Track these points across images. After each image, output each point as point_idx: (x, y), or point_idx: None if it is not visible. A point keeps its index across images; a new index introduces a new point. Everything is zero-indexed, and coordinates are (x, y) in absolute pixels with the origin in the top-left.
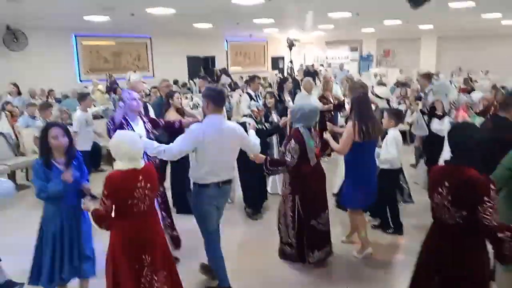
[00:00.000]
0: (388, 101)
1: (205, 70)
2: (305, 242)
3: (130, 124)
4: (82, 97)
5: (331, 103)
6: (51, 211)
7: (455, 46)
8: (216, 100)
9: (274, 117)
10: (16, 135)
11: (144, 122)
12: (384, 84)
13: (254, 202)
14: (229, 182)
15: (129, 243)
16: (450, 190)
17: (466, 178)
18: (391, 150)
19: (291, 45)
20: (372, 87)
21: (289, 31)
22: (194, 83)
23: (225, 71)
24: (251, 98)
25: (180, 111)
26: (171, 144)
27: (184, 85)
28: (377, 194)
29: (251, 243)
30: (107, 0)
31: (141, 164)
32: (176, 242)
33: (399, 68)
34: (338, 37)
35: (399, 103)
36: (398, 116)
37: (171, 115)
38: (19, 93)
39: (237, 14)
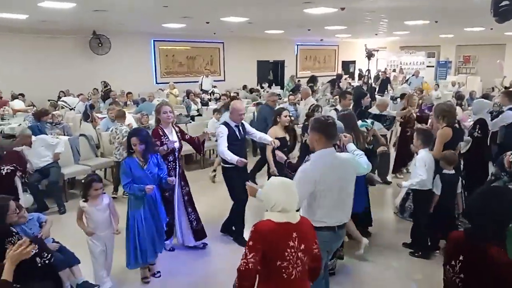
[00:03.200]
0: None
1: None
2: None
3: (166, 134)
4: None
5: (414, 119)
6: (135, 203)
7: None
8: (329, 133)
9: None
10: (98, 137)
11: (176, 132)
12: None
13: None
14: (344, 225)
15: None
16: (464, 267)
17: (486, 255)
18: (418, 171)
19: (370, 55)
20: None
21: (361, 37)
22: (263, 88)
23: (340, 77)
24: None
25: (289, 128)
26: None
27: (251, 90)
28: (412, 214)
29: None
30: (186, 10)
31: (296, 217)
32: (201, 235)
33: (480, 77)
34: (414, 42)
35: None
36: (427, 137)
37: (277, 132)
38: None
39: (309, 22)
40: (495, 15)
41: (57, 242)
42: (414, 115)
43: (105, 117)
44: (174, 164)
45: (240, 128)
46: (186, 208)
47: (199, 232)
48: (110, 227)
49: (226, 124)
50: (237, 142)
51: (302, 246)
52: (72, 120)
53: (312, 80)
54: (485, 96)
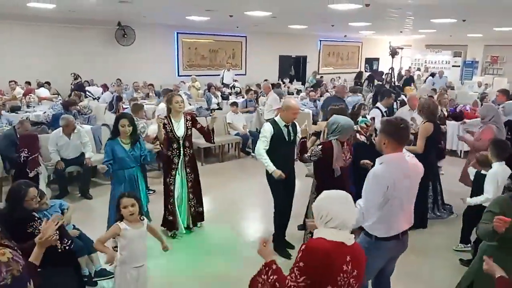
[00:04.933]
0: None
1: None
2: None
3: (170, 122)
4: None
5: (444, 117)
6: (116, 180)
7: None
8: (398, 136)
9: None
10: None
11: (186, 121)
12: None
13: None
14: (407, 231)
15: None
16: None
17: None
18: (487, 187)
19: (394, 53)
20: None
21: (385, 34)
22: (284, 83)
23: (371, 78)
24: (382, 115)
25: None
26: (359, 201)
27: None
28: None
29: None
30: (210, 3)
31: (351, 239)
32: (199, 218)
33: (507, 78)
34: (440, 41)
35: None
36: (501, 148)
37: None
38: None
39: (333, 17)
40: None
41: (78, 229)
42: (445, 113)
43: (127, 108)
44: (178, 151)
45: (290, 128)
46: (188, 194)
47: (197, 216)
48: (146, 256)
49: (273, 122)
50: (285, 145)
51: (355, 272)
52: (95, 110)
53: (359, 76)
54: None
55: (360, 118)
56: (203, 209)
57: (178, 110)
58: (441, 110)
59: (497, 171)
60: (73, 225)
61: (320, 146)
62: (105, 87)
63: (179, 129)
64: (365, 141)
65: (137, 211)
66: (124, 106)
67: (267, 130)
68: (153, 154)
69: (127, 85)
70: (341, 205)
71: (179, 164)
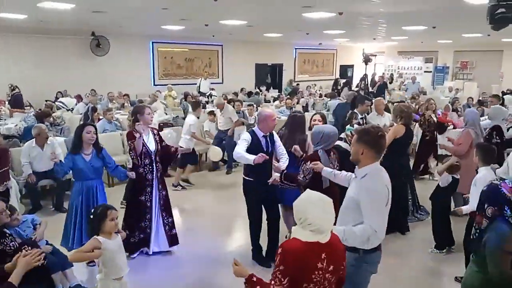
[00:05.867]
0: None
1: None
2: None
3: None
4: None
5: (434, 123)
6: (74, 192)
7: None
8: (377, 146)
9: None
10: None
11: (154, 135)
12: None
13: None
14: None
15: None
16: None
17: None
18: (473, 196)
19: (367, 60)
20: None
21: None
22: (261, 91)
23: (348, 84)
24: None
25: None
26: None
27: (256, 93)
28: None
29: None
30: (185, 13)
31: (327, 237)
32: (174, 241)
33: (477, 83)
34: (412, 47)
35: None
36: (487, 152)
37: None
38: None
39: (307, 26)
40: (491, 23)
41: (51, 245)
42: (435, 119)
43: (102, 119)
44: (151, 167)
45: (268, 139)
46: (162, 212)
47: (173, 238)
48: (126, 266)
49: (252, 132)
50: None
51: (331, 267)
52: (69, 121)
53: (336, 83)
54: (481, 103)
55: (348, 126)
56: (174, 224)
57: (148, 122)
58: (430, 116)
59: (486, 175)
60: (46, 240)
61: (308, 162)
62: (79, 98)
63: (150, 143)
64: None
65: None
66: (100, 117)
67: (245, 137)
68: (123, 173)
69: (102, 96)
70: (320, 211)
71: (153, 180)
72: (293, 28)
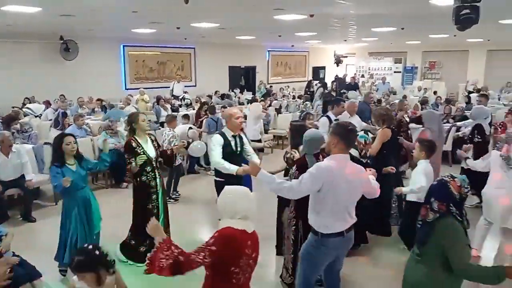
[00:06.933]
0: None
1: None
2: None
3: (140, 144)
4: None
5: (406, 123)
6: (67, 203)
7: (505, 59)
8: (348, 139)
9: None
10: None
11: (152, 141)
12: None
13: None
14: (352, 227)
15: None
16: None
17: None
18: (418, 181)
19: (338, 61)
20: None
21: (330, 43)
22: (235, 93)
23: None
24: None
25: None
26: (294, 181)
27: (227, 96)
28: (407, 227)
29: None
30: (155, 16)
31: (251, 227)
32: None
33: (444, 82)
34: (382, 48)
35: (443, 122)
36: (430, 147)
37: None
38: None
39: (279, 28)
40: (457, 23)
41: (17, 256)
42: (407, 119)
43: (72, 124)
44: (153, 174)
45: (237, 140)
46: (164, 220)
47: None
48: None
49: (222, 134)
50: (233, 157)
51: (254, 255)
52: (37, 128)
53: (309, 85)
54: (448, 101)
55: (361, 133)
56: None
57: (146, 129)
58: (403, 117)
59: (425, 167)
60: (12, 252)
61: (294, 167)
62: (47, 104)
63: (150, 150)
64: (359, 158)
65: None
66: (69, 123)
67: (217, 140)
68: (104, 160)
69: (71, 101)
70: (244, 200)
71: (158, 186)
72: (265, 30)
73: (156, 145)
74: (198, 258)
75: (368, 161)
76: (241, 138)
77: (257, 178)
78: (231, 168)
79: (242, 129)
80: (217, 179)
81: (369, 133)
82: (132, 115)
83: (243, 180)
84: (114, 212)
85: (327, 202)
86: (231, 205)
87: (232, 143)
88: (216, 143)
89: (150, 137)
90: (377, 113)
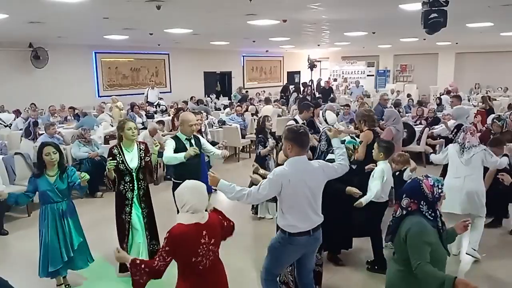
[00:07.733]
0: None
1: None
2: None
3: (122, 153)
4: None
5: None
6: (41, 215)
7: (473, 62)
8: (301, 141)
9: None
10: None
11: (140, 150)
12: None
13: None
14: (319, 226)
15: None
16: None
17: None
18: (374, 182)
19: (312, 66)
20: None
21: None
22: (211, 99)
23: (297, 90)
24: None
25: None
26: (254, 187)
27: (201, 102)
28: (363, 226)
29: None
30: (127, 22)
31: (205, 217)
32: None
33: (416, 84)
34: (355, 52)
35: (416, 124)
36: (389, 149)
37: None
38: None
39: (253, 33)
40: (425, 27)
41: None
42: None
43: (43, 133)
44: (131, 185)
45: (193, 141)
46: (145, 232)
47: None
48: None
49: (175, 137)
50: (190, 159)
51: (212, 240)
52: (7, 138)
53: (284, 90)
54: (420, 103)
55: (348, 139)
56: (157, 247)
57: (131, 138)
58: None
59: (384, 168)
60: None
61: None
62: (17, 113)
63: (132, 160)
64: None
65: None
66: (40, 132)
67: (169, 143)
68: (83, 187)
69: (43, 110)
70: (193, 194)
71: (134, 199)
72: (239, 35)
73: (143, 154)
74: (161, 262)
75: (353, 167)
76: (197, 139)
77: (218, 189)
78: (180, 156)
79: (199, 131)
80: (176, 181)
81: (356, 138)
82: (120, 122)
83: (202, 178)
84: (92, 222)
85: (290, 203)
86: (180, 197)
87: (187, 145)
88: (168, 145)
89: (139, 146)
90: (359, 114)
